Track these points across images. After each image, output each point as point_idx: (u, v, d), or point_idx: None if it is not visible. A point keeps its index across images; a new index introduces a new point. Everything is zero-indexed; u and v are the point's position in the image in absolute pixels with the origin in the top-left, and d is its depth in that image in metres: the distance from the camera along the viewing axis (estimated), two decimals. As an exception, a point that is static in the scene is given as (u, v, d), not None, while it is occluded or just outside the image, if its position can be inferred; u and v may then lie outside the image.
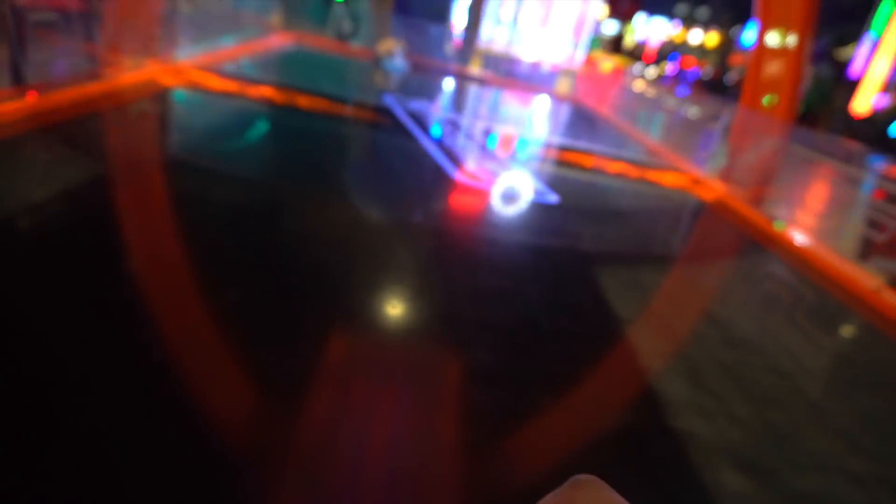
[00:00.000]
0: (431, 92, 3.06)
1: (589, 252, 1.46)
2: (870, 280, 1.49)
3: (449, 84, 3.62)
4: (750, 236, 1.92)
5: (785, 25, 2.14)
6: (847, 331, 1.43)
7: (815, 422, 0.95)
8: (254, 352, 0.79)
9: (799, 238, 1.75)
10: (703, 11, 14.43)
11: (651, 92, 3.45)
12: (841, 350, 1.33)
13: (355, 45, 4.07)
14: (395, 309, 0.98)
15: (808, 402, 1.01)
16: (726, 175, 2.24)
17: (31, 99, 1.39)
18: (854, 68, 10.02)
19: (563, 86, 5.24)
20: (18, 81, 1.37)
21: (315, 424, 0.69)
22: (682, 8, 15.42)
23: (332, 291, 0.97)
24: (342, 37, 4.88)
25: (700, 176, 2.34)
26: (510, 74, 4.80)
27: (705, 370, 1.01)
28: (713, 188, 2.22)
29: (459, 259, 1.27)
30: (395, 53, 3.45)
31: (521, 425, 0.77)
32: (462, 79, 3.80)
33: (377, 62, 3.55)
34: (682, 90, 3.22)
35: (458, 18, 4.51)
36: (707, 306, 1.36)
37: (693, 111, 2.77)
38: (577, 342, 1.00)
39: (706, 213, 2.13)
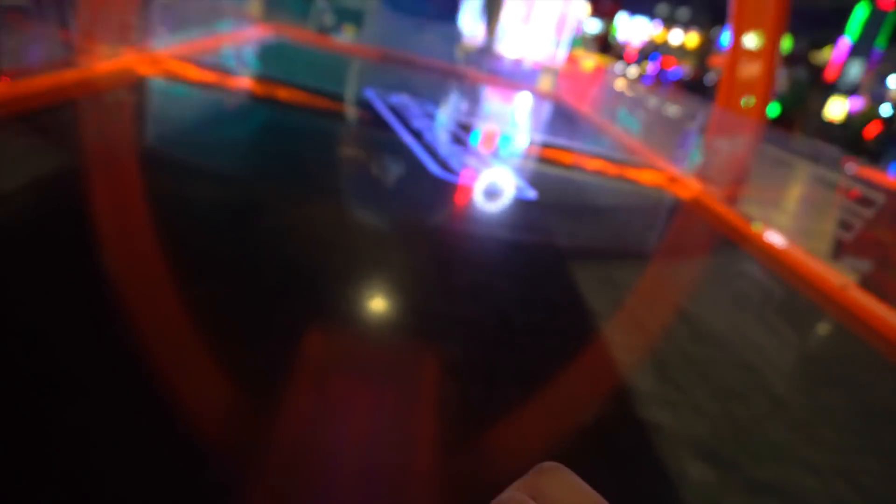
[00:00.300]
0: (413, 87, 3.06)
1: (564, 248, 1.47)
2: (838, 278, 1.53)
3: (431, 80, 3.62)
4: (724, 234, 1.96)
5: (757, 28, 2.18)
6: (814, 327, 1.47)
7: (777, 415, 0.98)
8: (225, 346, 0.79)
9: (771, 237, 1.79)
10: (683, 12, 14.59)
11: (632, 91, 3.49)
12: (806, 346, 1.36)
13: (339, 40, 4.05)
14: (366, 304, 0.99)
15: (772, 396, 1.03)
16: (701, 173, 2.28)
17: (2, 86, 1.36)
18: (829, 72, 10.21)
19: (544, 83, 5.27)
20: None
21: (287, 417, 0.69)
22: (663, 8, 15.57)
23: (305, 287, 0.97)
24: (324, 30, 4.85)
25: (676, 174, 2.38)
26: (492, 71, 4.81)
27: (673, 364, 1.03)
28: (689, 186, 2.26)
29: (434, 254, 1.28)
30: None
31: (491, 418, 0.79)
32: (444, 75, 3.80)
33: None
34: (663, 89, 3.25)
35: (467, 17, 4.41)
36: (678, 303, 1.39)
37: (672, 110, 2.81)
38: (548, 337, 1.01)
39: (682, 211, 2.16)
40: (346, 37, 4.13)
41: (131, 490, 0.56)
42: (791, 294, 1.59)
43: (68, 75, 1.64)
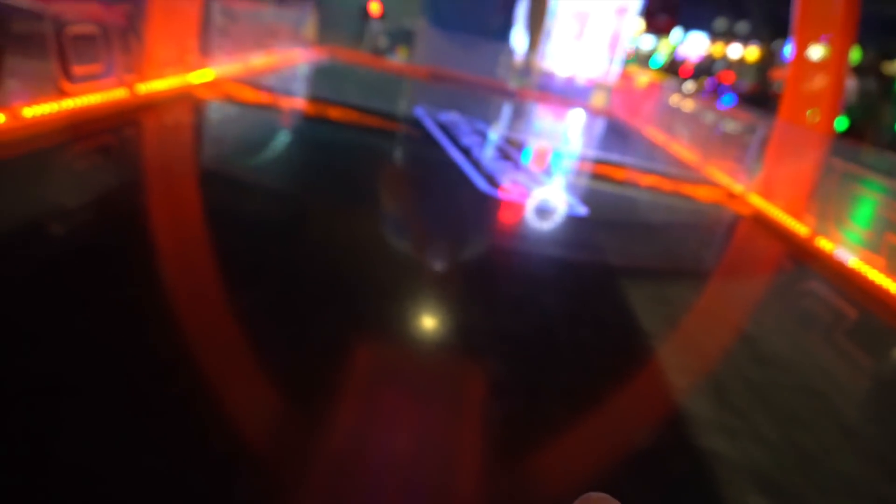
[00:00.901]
0: (462, 105, 3.06)
1: (615, 265, 1.42)
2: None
3: (481, 97, 3.61)
4: (787, 251, 1.85)
5: (823, 38, 2.07)
6: (888, 351, 1.36)
7: (847, 445, 0.89)
8: (271, 355, 0.79)
9: (840, 254, 1.68)
10: (742, 26, 14.20)
11: (689, 106, 3.39)
12: (879, 371, 1.25)
13: (394, 61, 4.11)
14: (407, 315, 0.97)
15: (841, 425, 0.95)
16: (763, 188, 2.17)
17: (68, 107, 1.43)
18: (902, 82, 9.69)
19: (598, 100, 5.19)
20: (59, 91, 1.41)
21: (326, 430, 0.68)
22: (721, 23, 15.22)
23: (347, 298, 0.96)
24: (378, 52, 4.93)
25: (736, 189, 2.28)
26: (544, 88, 4.77)
27: (732, 388, 0.96)
28: (749, 202, 2.16)
29: (479, 268, 1.25)
30: None
31: (536, 440, 0.75)
32: (495, 93, 3.80)
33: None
34: (722, 104, 3.16)
35: (518, 34, 4.34)
36: (738, 322, 1.31)
37: (732, 125, 2.71)
38: (597, 355, 0.97)
39: (741, 227, 2.06)
40: (398, 58, 4.19)
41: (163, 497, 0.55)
42: (863, 315, 1.48)
43: (130, 98, 1.70)
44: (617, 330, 1.08)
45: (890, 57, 10.91)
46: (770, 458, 0.81)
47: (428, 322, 0.97)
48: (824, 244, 1.75)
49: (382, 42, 6.41)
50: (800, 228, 1.87)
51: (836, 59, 2.04)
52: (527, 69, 4.12)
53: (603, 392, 0.88)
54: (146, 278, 0.90)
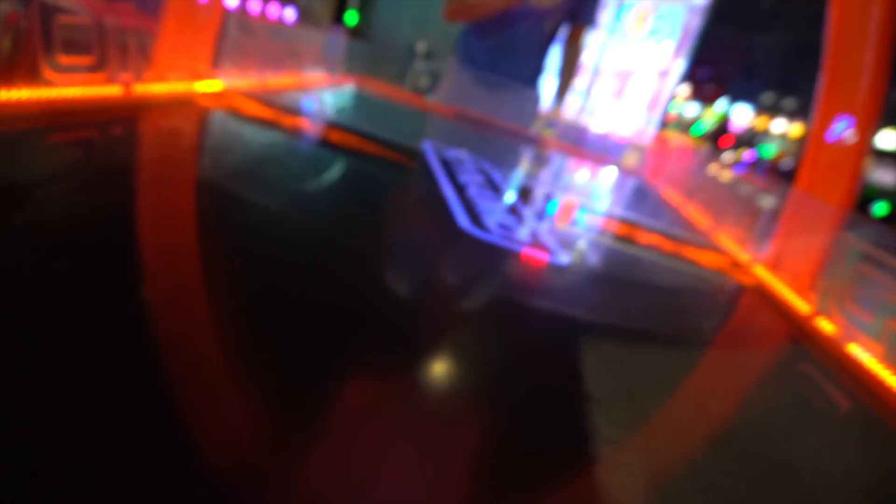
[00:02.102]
0: (479, 147, 3.03)
1: (583, 321, 1.32)
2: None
3: (502, 140, 3.58)
4: (787, 330, 1.73)
5: (848, 113, 1.99)
6: (864, 445, 1.21)
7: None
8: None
9: (844, 339, 1.55)
10: (789, 102, 14.11)
11: (725, 176, 3.29)
12: (854, 466, 1.11)
13: (430, 100, 4.11)
14: (337, 351, 0.89)
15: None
16: (770, 260, 2.06)
17: (47, 96, 1.41)
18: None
19: (630, 159, 5.12)
20: (42, 79, 1.40)
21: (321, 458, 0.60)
22: (768, 96, 15.15)
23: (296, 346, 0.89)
24: (418, 90, 4.97)
25: (741, 258, 2.17)
26: (576, 141, 4.72)
27: (674, 474, 0.85)
28: (753, 272, 2.04)
29: (426, 311, 1.17)
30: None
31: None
32: (517, 138, 3.77)
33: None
34: (761, 177, 3.05)
35: (548, 84, 4.26)
36: (705, 400, 1.19)
37: (762, 198, 2.60)
38: (525, 414, 0.86)
39: (739, 299, 1.94)
40: (433, 97, 4.18)
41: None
42: (851, 405, 1.34)
43: (123, 95, 1.70)
44: (559, 392, 0.97)
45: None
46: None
47: (339, 363, 0.89)
48: (824, 325, 1.62)
49: (424, 81, 6.51)
50: (801, 305, 1.75)
51: (860, 137, 1.96)
52: (553, 119, 4.09)
53: (525, 460, 0.78)
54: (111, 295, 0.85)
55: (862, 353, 1.46)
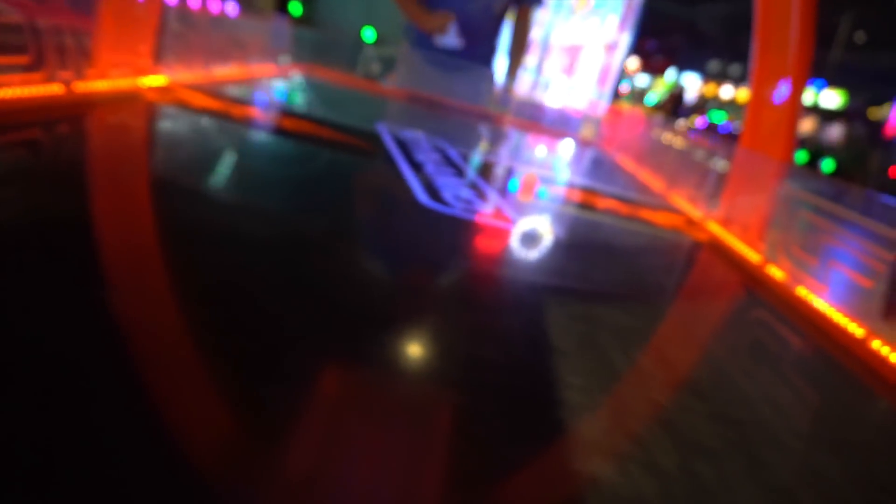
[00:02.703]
0: (433, 127, 3.04)
1: (542, 283, 1.35)
2: (858, 329, 1.35)
3: (458, 120, 3.60)
4: (741, 280, 1.80)
5: (780, 75, 2.08)
6: (818, 381, 1.29)
7: (752, 478, 0.82)
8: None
9: (792, 283, 1.62)
10: (735, 68, 14.48)
11: (678, 143, 3.37)
12: (809, 404, 1.18)
13: (386, 85, 4.08)
14: (315, 322, 0.90)
15: (751, 457, 0.87)
16: (721, 216, 2.13)
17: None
18: (888, 128, 9.83)
19: (587, 132, 5.17)
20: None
21: (298, 452, 0.60)
22: (714, 64, 15.50)
23: (264, 323, 0.89)
24: (370, 77, 4.93)
25: (695, 216, 2.24)
26: (533, 118, 4.76)
27: (635, 413, 0.89)
28: (707, 229, 2.11)
29: (399, 281, 1.19)
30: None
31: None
32: (472, 116, 3.79)
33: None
34: (712, 142, 3.13)
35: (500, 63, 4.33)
36: (664, 348, 1.24)
37: (711, 159, 2.68)
38: (493, 373, 0.89)
39: (695, 255, 2.01)
40: (390, 82, 4.15)
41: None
42: (803, 343, 1.41)
43: (64, 93, 1.66)
44: (525, 348, 1.01)
45: (877, 103, 11.11)
46: (660, 490, 0.73)
47: (322, 329, 0.90)
48: (774, 272, 1.70)
49: (375, 67, 6.45)
50: (753, 256, 1.82)
51: (793, 95, 2.04)
52: (507, 96, 4.12)
53: (492, 407, 0.81)
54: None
55: (809, 295, 1.53)
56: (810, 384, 1.27)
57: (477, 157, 2.53)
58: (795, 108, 1.96)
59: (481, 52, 3.45)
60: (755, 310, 1.62)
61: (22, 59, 1.48)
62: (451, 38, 3.32)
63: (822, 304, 1.47)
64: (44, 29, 1.56)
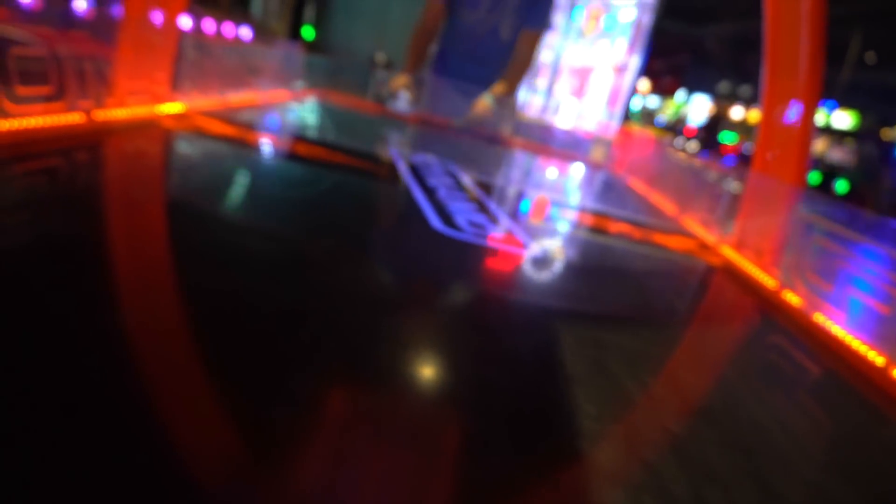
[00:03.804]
0: (444, 150, 3.06)
1: (555, 308, 1.35)
2: (877, 357, 1.33)
3: (469, 143, 3.62)
4: (756, 305, 1.78)
5: (791, 97, 2.08)
6: (834, 408, 1.26)
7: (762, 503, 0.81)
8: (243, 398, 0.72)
9: (810, 310, 1.61)
10: (745, 89, 14.47)
11: (692, 164, 3.37)
12: (827, 433, 1.16)
13: (393, 109, 4.13)
14: (312, 349, 0.90)
15: (765, 486, 0.86)
16: (735, 240, 2.12)
17: (8, 127, 1.41)
18: (902, 148, 9.77)
19: (596, 153, 5.19)
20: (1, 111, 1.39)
21: (302, 474, 0.61)
22: (724, 85, 15.51)
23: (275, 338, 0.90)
24: (381, 100, 4.99)
25: (709, 240, 2.23)
26: (543, 140, 4.78)
27: (648, 439, 0.88)
28: (721, 253, 2.10)
29: (410, 304, 1.19)
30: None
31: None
32: (484, 140, 3.81)
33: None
34: (727, 162, 3.12)
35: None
36: (677, 372, 1.23)
37: (725, 182, 2.67)
38: (509, 399, 0.89)
39: (709, 279, 1.99)
40: (401, 106, 4.19)
41: None
42: (820, 370, 1.39)
43: (88, 123, 1.69)
44: (539, 373, 1.00)
45: (889, 123, 11.06)
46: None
47: (332, 354, 0.90)
48: (790, 297, 1.69)
49: (385, 90, 6.52)
50: (767, 281, 1.81)
51: (804, 119, 2.04)
52: (515, 120, 4.16)
53: (506, 433, 0.80)
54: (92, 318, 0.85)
55: (827, 321, 1.52)
56: (828, 412, 1.25)
57: (488, 181, 2.54)
58: (808, 131, 1.96)
59: (493, 76, 3.51)
60: (771, 335, 1.61)
61: (44, 90, 1.52)
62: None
63: (840, 330, 1.46)
64: (65, 59, 1.60)
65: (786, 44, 2.01)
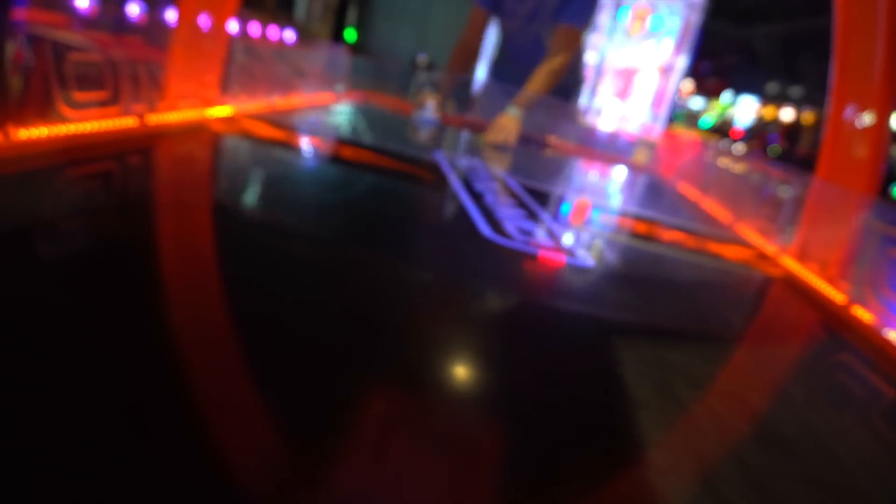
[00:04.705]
0: (487, 154, 3.02)
1: (612, 321, 1.29)
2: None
3: (516, 147, 3.57)
4: (820, 320, 1.69)
5: (863, 102, 1.96)
6: None
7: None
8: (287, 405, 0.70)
9: (882, 326, 1.51)
10: (795, 90, 13.99)
11: (737, 167, 3.26)
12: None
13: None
14: (361, 357, 0.87)
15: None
16: (797, 250, 2.02)
17: (67, 132, 1.42)
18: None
19: (640, 156, 5.07)
20: (59, 116, 1.41)
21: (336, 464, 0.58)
22: (773, 86, 15.05)
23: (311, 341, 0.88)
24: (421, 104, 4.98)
25: (768, 250, 2.13)
26: (586, 142, 4.69)
27: (723, 475, 0.82)
28: (781, 264, 2.01)
29: (461, 317, 1.15)
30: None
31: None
32: (529, 144, 3.75)
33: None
34: (773, 166, 2.99)
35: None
36: (748, 396, 1.16)
37: (783, 189, 2.56)
38: (566, 422, 0.84)
39: (769, 291, 1.90)
40: (425, 117, 4.16)
41: None
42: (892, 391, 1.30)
43: (140, 127, 1.71)
44: (599, 402, 0.95)
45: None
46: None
47: (377, 362, 0.87)
48: (860, 313, 1.59)
49: (426, 92, 6.54)
50: (833, 294, 1.71)
51: (878, 122, 1.93)
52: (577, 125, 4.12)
53: (568, 469, 0.76)
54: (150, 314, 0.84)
55: (903, 340, 1.42)
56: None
57: (536, 186, 2.49)
58: (881, 134, 1.85)
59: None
60: (840, 353, 1.52)
61: (100, 95, 1.54)
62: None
63: (918, 351, 1.36)
64: (120, 63, 1.62)
65: (859, 41, 1.90)
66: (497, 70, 3.80)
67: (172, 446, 0.58)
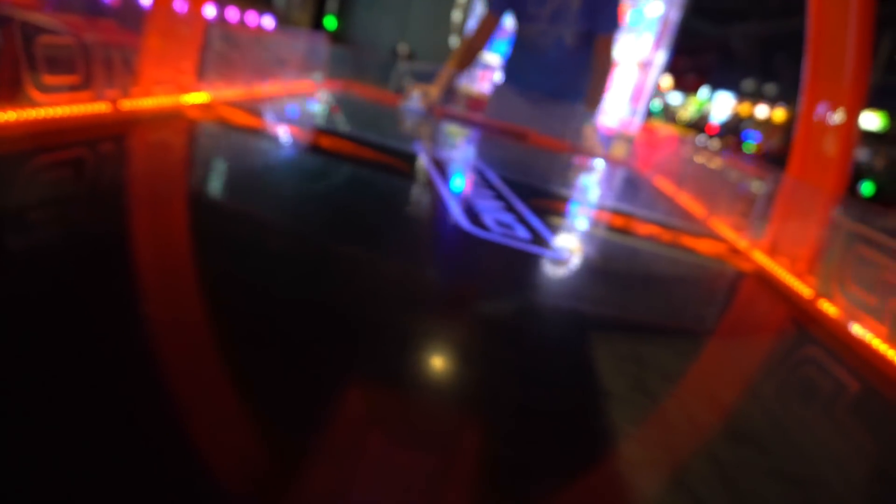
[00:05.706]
0: (470, 146, 3.02)
1: (584, 314, 1.31)
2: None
3: (492, 139, 3.58)
4: (790, 314, 1.73)
5: (832, 100, 2.01)
6: (880, 431, 1.21)
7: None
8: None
9: (848, 320, 1.55)
10: (770, 88, 14.22)
11: (713, 163, 3.30)
12: (869, 449, 1.10)
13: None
14: (321, 352, 0.87)
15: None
16: (768, 245, 2.06)
17: (34, 116, 1.39)
18: (933, 151, 9.55)
19: (618, 150, 5.10)
20: (28, 100, 1.38)
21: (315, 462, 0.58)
22: (748, 83, 15.29)
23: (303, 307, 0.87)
24: (401, 92, 4.95)
25: (740, 244, 2.17)
26: (562, 136, 4.70)
27: (692, 469, 0.84)
28: (753, 258, 2.05)
29: (429, 308, 1.16)
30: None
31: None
32: (505, 135, 3.76)
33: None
34: (747, 162, 3.04)
35: None
36: (715, 391, 1.18)
37: (756, 185, 2.61)
38: (537, 417, 0.85)
39: (740, 286, 1.94)
40: (413, 100, 4.15)
41: None
42: (861, 387, 1.34)
43: (111, 111, 1.68)
44: (573, 391, 0.96)
45: (920, 125, 10.80)
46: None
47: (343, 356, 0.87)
48: (827, 307, 1.63)
49: (407, 82, 6.51)
50: (802, 289, 1.75)
51: (848, 121, 1.97)
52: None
53: (540, 463, 0.77)
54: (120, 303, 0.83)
55: (866, 334, 1.46)
56: (873, 434, 1.20)
57: (513, 178, 2.50)
58: (850, 133, 1.89)
59: (553, 86, 3.50)
60: (810, 349, 1.55)
61: (71, 79, 1.50)
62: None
63: (882, 345, 1.40)
64: (92, 47, 1.58)
65: (831, 42, 1.94)
66: (512, 71, 3.79)
67: (146, 446, 0.57)
